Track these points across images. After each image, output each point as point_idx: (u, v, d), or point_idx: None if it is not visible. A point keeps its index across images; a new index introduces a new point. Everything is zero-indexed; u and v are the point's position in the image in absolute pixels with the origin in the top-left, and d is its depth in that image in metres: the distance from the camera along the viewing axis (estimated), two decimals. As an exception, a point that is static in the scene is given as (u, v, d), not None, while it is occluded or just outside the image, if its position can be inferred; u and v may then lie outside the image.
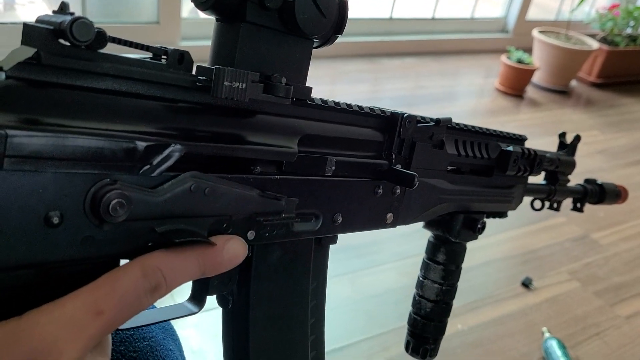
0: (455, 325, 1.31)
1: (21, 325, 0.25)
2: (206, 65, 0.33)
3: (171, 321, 0.48)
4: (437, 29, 3.31)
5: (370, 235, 1.54)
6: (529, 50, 3.00)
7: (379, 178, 0.44)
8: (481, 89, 2.96)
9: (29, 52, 0.25)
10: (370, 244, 1.53)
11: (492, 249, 1.64)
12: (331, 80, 2.61)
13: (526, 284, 1.51)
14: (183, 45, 2.31)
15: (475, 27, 3.47)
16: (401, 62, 3.03)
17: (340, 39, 0.38)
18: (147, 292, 0.29)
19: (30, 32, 0.26)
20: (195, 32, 2.37)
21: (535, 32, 3.07)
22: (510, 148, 0.56)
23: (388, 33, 3.11)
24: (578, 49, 3.00)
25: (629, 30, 3.40)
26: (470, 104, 2.78)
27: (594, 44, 3.10)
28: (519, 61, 2.80)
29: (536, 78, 3.02)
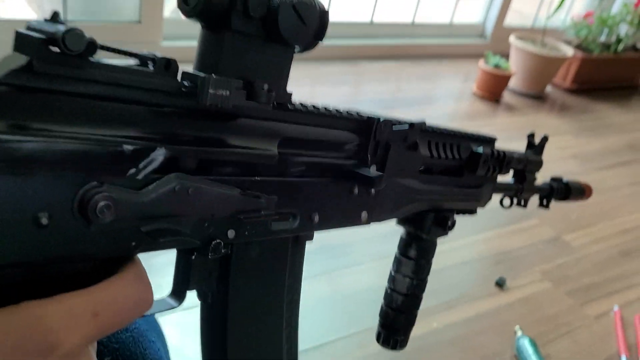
0: (430, 323, 1.34)
1: (18, 314, 0.25)
2: (191, 70, 0.34)
3: (154, 315, 0.49)
4: (417, 34, 3.35)
5: (347, 236, 1.56)
6: (506, 55, 3.06)
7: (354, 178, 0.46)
8: (459, 93, 3.00)
9: (22, 59, 0.26)
10: (347, 244, 1.56)
11: (467, 249, 1.68)
12: (312, 82, 2.63)
13: (500, 284, 1.55)
14: (165, 45, 2.31)
15: (454, 32, 3.52)
16: (381, 66, 3.06)
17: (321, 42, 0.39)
18: (142, 303, 0.30)
19: (23, 40, 0.27)
20: (178, 32, 2.36)
21: (512, 38, 3.13)
22: (481, 149, 0.59)
23: (369, 37, 3.14)
24: (553, 56, 3.07)
25: (602, 38, 3.48)
26: (448, 108, 2.82)
27: (569, 51, 3.17)
28: (496, 66, 2.85)
29: (512, 83, 3.07)
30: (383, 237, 1.57)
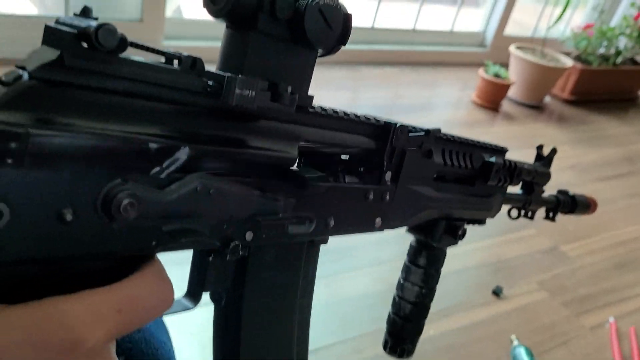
0: (427, 330, 1.34)
1: (41, 310, 0.25)
2: (214, 70, 0.34)
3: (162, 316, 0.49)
4: (418, 40, 3.36)
5: (347, 241, 1.56)
6: (505, 65, 3.07)
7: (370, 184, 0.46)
8: (458, 101, 3.01)
9: (53, 53, 0.26)
10: (347, 249, 1.55)
11: (465, 257, 1.68)
12: (312, 86, 2.62)
13: (497, 293, 1.55)
14: (166, 44, 2.30)
15: (455, 40, 3.53)
16: (381, 72, 3.06)
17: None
18: (163, 302, 0.30)
19: (53, 34, 0.27)
20: (179, 32, 2.35)
21: (512, 48, 3.14)
22: (493, 159, 0.59)
23: (369, 42, 3.15)
24: (552, 66, 3.08)
25: (602, 50, 3.50)
26: (447, 115, 2.83)
27: (568, 62, 3.19)
28: (496, 75, 2.86)
29: (511, 92, 3.09)
30: (381, 243, 1.57)
